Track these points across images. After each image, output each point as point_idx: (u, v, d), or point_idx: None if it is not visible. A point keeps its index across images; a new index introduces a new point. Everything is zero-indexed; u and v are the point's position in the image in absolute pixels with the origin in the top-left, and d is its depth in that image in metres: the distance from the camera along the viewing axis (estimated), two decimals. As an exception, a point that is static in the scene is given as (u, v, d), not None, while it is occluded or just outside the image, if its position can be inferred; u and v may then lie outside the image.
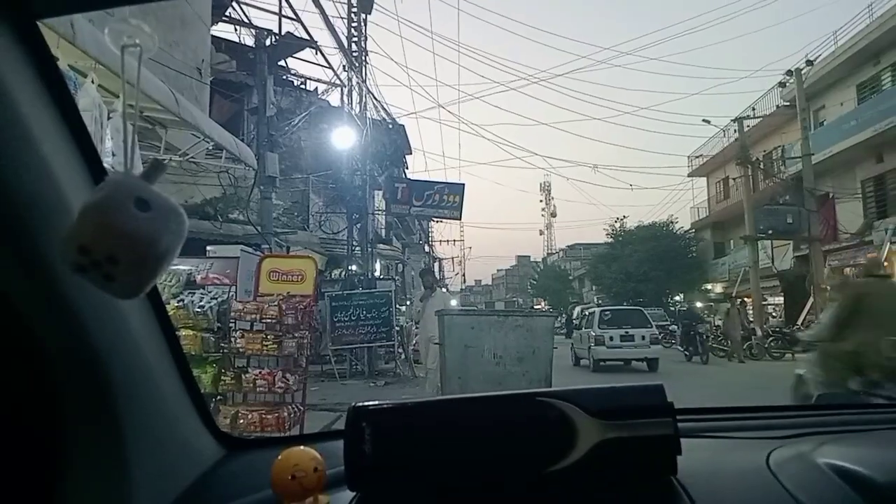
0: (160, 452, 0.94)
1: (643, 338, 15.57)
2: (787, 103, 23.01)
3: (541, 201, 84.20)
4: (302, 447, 0.87)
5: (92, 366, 0.82)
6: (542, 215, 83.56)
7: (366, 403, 0.92)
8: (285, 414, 6.00)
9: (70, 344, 0.80)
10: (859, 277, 5.87)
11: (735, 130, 24.29)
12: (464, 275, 63.65)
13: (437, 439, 0.88)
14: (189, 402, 1.05)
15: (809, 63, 21.68)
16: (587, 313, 18.11)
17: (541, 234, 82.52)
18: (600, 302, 35.01)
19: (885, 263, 18.40)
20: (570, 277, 55.75)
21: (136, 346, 0.90)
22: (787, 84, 22.44)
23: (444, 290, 11.23)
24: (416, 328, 9.75)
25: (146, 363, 0.93)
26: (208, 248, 10.13)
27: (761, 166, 24.53)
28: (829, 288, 19.83)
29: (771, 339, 18.99)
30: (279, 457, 0.85)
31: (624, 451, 0.84)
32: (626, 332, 15.68)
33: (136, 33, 0.76)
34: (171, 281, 7.29)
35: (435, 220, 26.08)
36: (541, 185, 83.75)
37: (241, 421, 5.71)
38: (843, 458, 0.88)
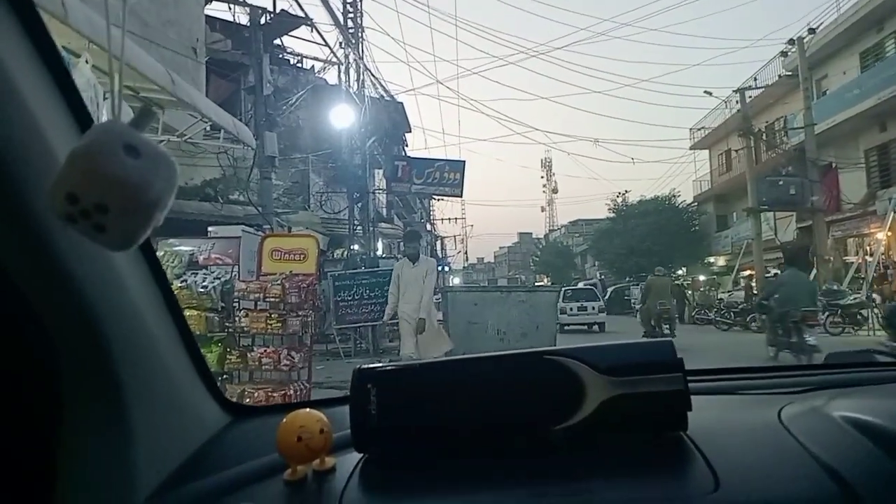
0: (165, 419, 0.93)
1: (594, 308, 22.03)
2: (790, 73, 22.79)
3: (542, 177, 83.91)
4: (308, 409, 0.86)
5: (90, 331, 0.80)
6: (544, 191, 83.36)
7: (371, 365, 0.91)
8: (291, 391, 6.07)
9: (67, 307, 0.78)
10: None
11: (737, 101, 24.08)
12: (466, 252, 63.73)
13: (443, 399, 0.87)
14: (193, 368, 1.04)
15: (812, 31, 21.44)
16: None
17: (542, 211, 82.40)
18: (603, 277, 35.02)
19: (889, 233, 18.38)
20: (573, 253, 55.75)
21: (136, 311, 0.88)
22: (789, 53, 22.22)
23: (430, 258, 9.05)
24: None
25: (147, 329, 0.90)
26: (210, 228, 10.14)
27: (763, 137, 24.38)
28: (831, 259, 19.93)
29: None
30: (284, 419, 0.84)
31: (633, 408, 0.83)
32: (581, 305, 22.15)
33: None
34: (173, 262, 7.31)
35: (436, 197, 26.01)
36: (542, 161, 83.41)
37: (248, 399, 5.72)
38: (856, 410, 0.87)
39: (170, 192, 0.66)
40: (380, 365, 0.92)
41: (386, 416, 0.85)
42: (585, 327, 21.93)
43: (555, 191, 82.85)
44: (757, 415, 0.97)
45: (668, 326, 14.38)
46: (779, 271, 23.39)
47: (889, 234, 18.44)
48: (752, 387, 1.18)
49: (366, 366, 0.90)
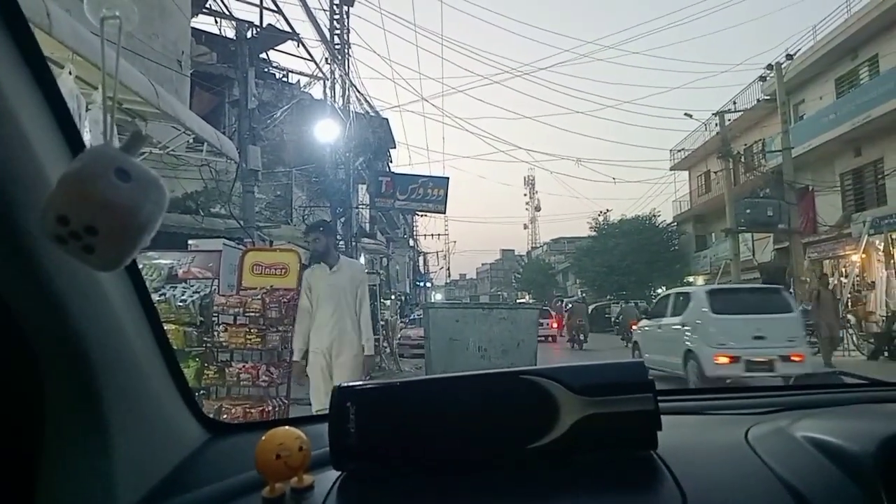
0: (143, 435, 0.93)
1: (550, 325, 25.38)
2: (768, 97, 23.19)
3: (525, 195, 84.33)
4: (287, 427, 0.87)
5: (72, 345, 0.80)
6: (527, 209, 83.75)
7: (351, 384, 0.92)
8: (270, 408, 5.95)
9: (49, 322, 0.79)
10: None
11: (716, 124, 24.44)
12: (448, 269, 63.69)
13: (421, 418, 0.88)
14: (173, 385, 1.04)
15: (789, 57, 21.86)
16: None
17: (525, 228, 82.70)
18: (584, 295, 35.17)
19: (863, 255, 18.69)
20: (554, 271, 55.96)
21: (119, 327, 0.89)
22: (768, 78, 22.62)
23: (357, 261, 6.18)
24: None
25: (128, 345, 0.91)
26: (190, 241, 10.02)
27: (742, 160, 24.72)
28: (808, 280, 20.21)
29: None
30: (263, 437, 0.84)
31: (605, 427, 0.85)
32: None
33: (115, 5, 0.75)
34: (152, 275, 7.20)
35: (419, 213, 26.03)
36: (525, 178, 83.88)
37: (225, 416, 5.64)
38: (819, 431, 0.90)
39: (159, 214, 0.68)
40: (359, 383, 0.93)
41: (364, 434, 0.86)
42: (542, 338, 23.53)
43: (537, 208, 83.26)
44: (725, 435, 0.99)
45: (583, 336, 21.59)
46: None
47: (863, 256, 18.76)
48: (720, 407, 1.20)
49: (345, 384, 0.91)
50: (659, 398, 0.87)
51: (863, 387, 1.48)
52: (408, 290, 36.29)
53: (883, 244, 18.16)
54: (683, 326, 10.28)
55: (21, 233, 0.72)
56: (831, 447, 0.84)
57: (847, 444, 0.84)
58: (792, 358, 9.09)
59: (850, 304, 17.97)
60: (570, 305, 25.87)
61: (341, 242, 15.96)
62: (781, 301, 10.05)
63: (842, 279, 19.73)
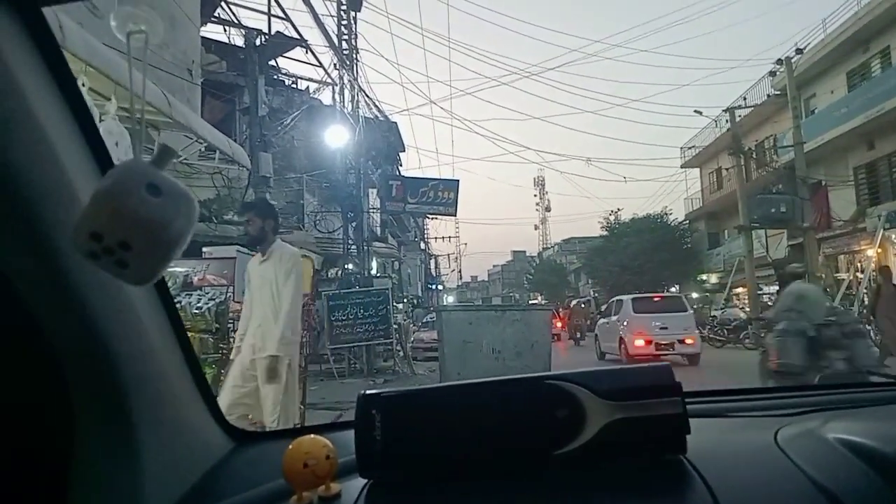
0: (170, 444, 0.94)
1: (555, 325, 23.66)
2: (778, 92, 22.99)
3: (535, 196, 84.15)
4: (313, 436, 0.88)
5: (101, 357, 0.82)
6: (537, 210, 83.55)
7: (376, 391, 0.92)
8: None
9: (80, 334, 0.80)
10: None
11: (727, 121, 24.28)
12: (460, 271, 63.65)
13: (447, 425, 0.88)
14: (198, 394, 1.05)
15: (799, 51, 21.69)
16: None
17: (536, 229, 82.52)
18: (596, 295, 35.04)
19: (879, 250, 18.50)
20: (566, 271, 55.79)
21: (146, 337, 0.90)
22: (778, 73, 22.45)
23: (290, 247, 4.86)
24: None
25: (155, 354, 0.93)
26: (204, 249, 10.09)
27: (754, 156, 24.53)
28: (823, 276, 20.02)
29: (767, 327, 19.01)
30: (290, 445, 0.85)
31: (633, 432, 0.84)
32: None
33: (142, 19, 0.75)
34: (168, 283, 7.29)
35: (430, 216, 26.04)
36: (535, 179, 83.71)
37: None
38: (851, 432, 0.89)
39: (189, 228, 0.69)
40: (384, 391, 0.93)
41: (390, 441, 0.86)
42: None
43: (548, 209, 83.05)
44: (754, 437, 0.99)
45: (579, 334, 22.89)
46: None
47: (879, 251, 18.56)
48: (748, 408, 1.19)
49: (370, 391, 0.91)
50: (685, 401, 0.87)
51: (890, 385, 1.46)
52: (420, 294, 36.30)
53: (899, 238, 17.97)
54: (618, 322, 14.96)
55: (52, 249, 0.73)
56: (864, 449, 0.84)
57: (880, 446, 0.83)
58: (685, 341, 13.87)
59: (865, 299, 17.80)
60: (572, 306, 28.72)
61: (353, 247, 15.99)
62: (680, 304, 15.18)
63: (857, 274, 19.52)
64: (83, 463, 0.85)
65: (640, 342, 13.90)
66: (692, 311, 15.23)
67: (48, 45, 0.75)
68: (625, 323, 14.61)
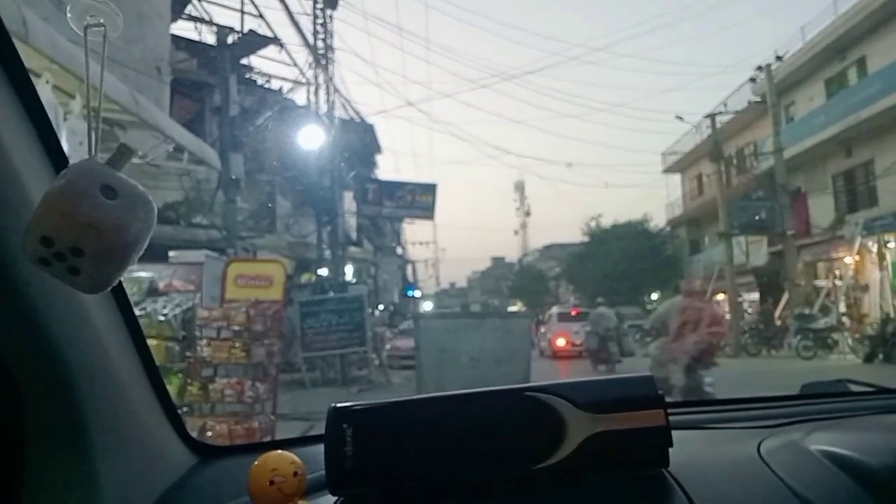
0: (129, 460, 0.91)
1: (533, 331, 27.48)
2: (759, 99, 23.19)
3: (515, 201, 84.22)
4: (280, 451, 0.84)
5: (54, 368, 0.79)
6: (517, 215, 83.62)
7: (347, 404, 0.87)
8: (255, 424, 5.92)
9: (30, 344, 0.77)
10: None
11: (708, 127, 24.38)
12: (438, 277, 63.47)
13: (422, 439, 0.85)
14: (159, 407, 1.03)
15: (779, 59, 21.87)
16: None
17: (516, 234, 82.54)
18: (577, 302, 34.99)
19: (857, 257, 18.58)
20: (547, 278, 55.84)
21: (102, 347, 0.88)
22: (758, 80, 22.61)
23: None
24: None
25: (113, 366, 0.90)
26: (171, 253, 9.80)
27: (734, 162, 24.67)
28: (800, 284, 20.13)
29: (746, 334, 19.04)
30: (256, 462, 0.81)
31: (614, 445, 0.82)
32: None
33: (100, 11, 0.69)
34: (132, 289, 7.04)
35: (407, 221, 25.79)
36: (515, 184, 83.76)
37: (210, 433, 5.61)
38: (833, 443, 0.89)
39: (147, 232, 0.66)
40: (356, 403, 0.88)
41: (362, 456, 0.83)
42: None
43: (528, 214, 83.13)
44: (736, 449, 0.97)
45: None
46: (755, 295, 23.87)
47: (857, 258, 18.64)
48: (730, 419, 1.20)
49: (341, 404, 0.87)
50: (668, 412, 0.84)
51: (870, 395, 1.47)
52: (396, 300, 36.02)
53: (876, 246, 18.06)
54: (549, 328, 21.16)
55: (2, 254, 0.70)
56: (847, 460, 0.83)
57: (863, 457, 0.83)
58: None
59: (845, 306, 17.88)
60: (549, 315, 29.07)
61: (328, 252, 15.68)
62: (586, 316, 18.26)
63: (836, 282, 19.63)
64: (35, 481, 0.82)
65: (561, 342, 19.46)
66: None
67: (1, 39, 0.74)
68: (552, 329, 20.54)
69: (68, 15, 0.71)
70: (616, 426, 0.82)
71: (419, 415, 0.89)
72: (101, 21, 0.70)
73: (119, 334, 0.93)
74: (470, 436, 0.84)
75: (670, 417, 0.84)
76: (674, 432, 0.84)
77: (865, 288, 18.38)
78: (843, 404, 1.32)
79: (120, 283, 0.90)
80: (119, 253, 0.65)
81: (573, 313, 20.94)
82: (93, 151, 0.68)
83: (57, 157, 0.81)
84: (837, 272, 20.16)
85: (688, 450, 0.91)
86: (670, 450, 0.84)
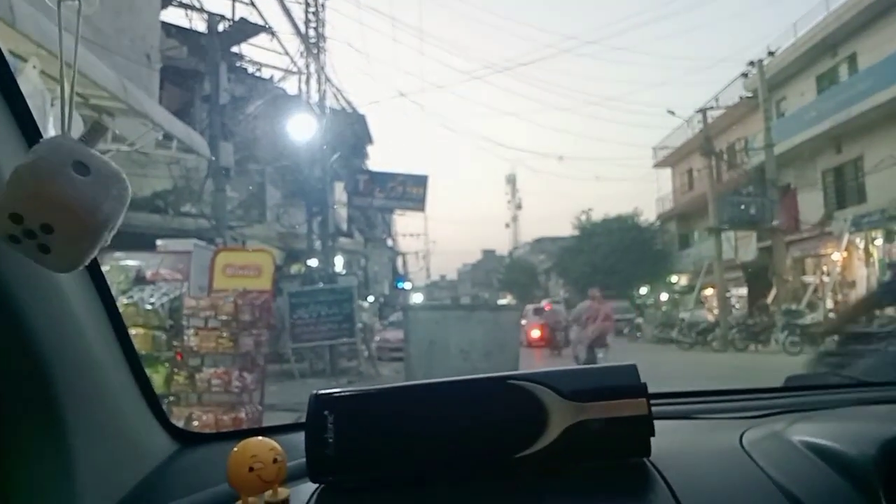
0: (107, 447, 0.90)
1: None
2: (750, 94, 23.25)
3: (506, 193, 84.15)
4: (260, 438, 0.83)
5: (27, 350, 0.77)
6: (508, 208, 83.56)
7: (328, 391, 0.87)
8: (242, 414, 5.93)
9: (5, 327, 0.75)
10: None
11: (699, 121, 24.42)
12: (428, 270, 63.44)
13: (403, 426, 0.85)
14: (138, 392, 1.02)
15: (771, 54, 21.91)
16: None
17: (507, 227, 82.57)
18: (568, 296, 35.06)
19: (845, 253, 18.71)
20: (537, 271, 55.91)
21: (79, 332, 0.87)
22: (750, 75, 22.64)
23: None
24: None
25: (90, 350, 0.89)
26: (158, 242, 9.72)
27: (725, 157, 24.74)
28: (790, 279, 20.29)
29: (734, 329, 19.15)
30: (235, 448, 0.81)
31: (597, 433, 0.83)
32: None
33: None
34: (119, 277, 7.00)
35: (398, 212, 25.73)
36: (506, 177, 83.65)
37: (196, 422, 5.63)
38: (815, 434, 0.90)
39: (120, 210, 0.65)
40: (337, 390, 0.88)
41: (343, 444, 0.83)
42: None
43: (519, 207, 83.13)
44: (719, 440, 0.98)
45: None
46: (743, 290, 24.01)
47: (845, 254, 18.77)
48: (713, 410, 1.20)
49: (323, 391, 0.87)
50: (651, 402, 0.84)
51: (851, 387, 1.47)
52: (386, 292, 35.97)
53: (864, 242, 18.18)
54: (525, 321, 21.52)
55: None
56: (828, 451, 0.84)
57: (844, 448, 0.83)
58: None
59: (832, 302, 18.00)
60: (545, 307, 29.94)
61: (318, 243, 15.60)
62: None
63: (823, 278, 19.75)
64: (11, 468, 0.81)
65: (535, 333, 21.72)
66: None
67: None
68: (529, 322, 22.23)
69: None
70: (599, 415, 0.82)
71: (401, 402, 0.89)
72: None
73: (98, 319, 0.93)
74: (452, 424, 0.84)
75: (653, 407, 0.84)
76: (656, 422, 0.84)
77: (853, 284, 18.51)
78: (826, 396, 1.34)
79: (98, 266, 0.91)
80: (91, 231, 0.64)
81: (546, 308, 24.75)
82: (65, 128, 0.67)
83: (30, 134, 0.79)
84: (825, 268, 20.30)
85: (670, 439, 0.91)
86: (652, 439, 0.84)
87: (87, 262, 0.69)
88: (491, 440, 0.84)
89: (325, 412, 0.84)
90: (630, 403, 0.84)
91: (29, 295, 0.77)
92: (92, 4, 0.70)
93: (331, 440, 0.83)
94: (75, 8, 0.70)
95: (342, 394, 0.88)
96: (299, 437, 0.86)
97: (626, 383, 0.86)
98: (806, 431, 0.92)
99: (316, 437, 0.83)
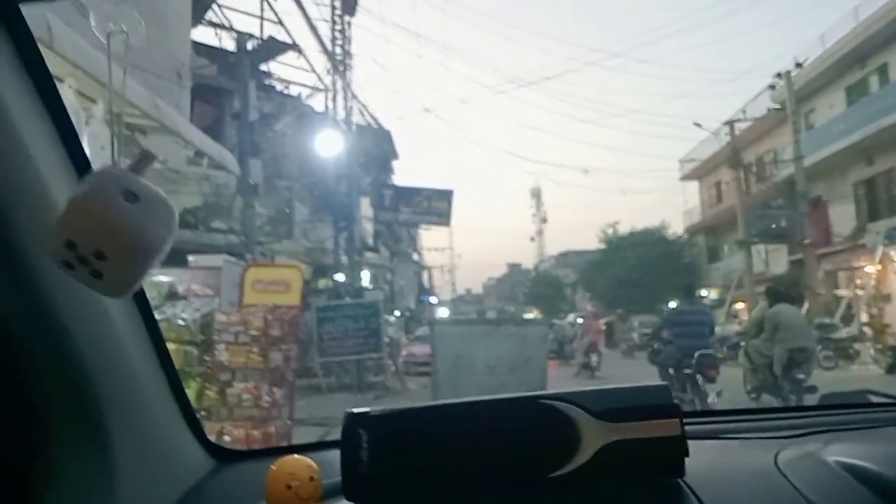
0: (148, 464, 0.92)
1: None
2: (778, 106, 22.93)
3: (531, 207, 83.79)
4: (296, 456, 0.86)
5: (76, 371, 0.80)
6: (533, 221, 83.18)
7: (363, 410, 0.88)
8: (272, 429, 5.96)
9: (53, 347, 0.78)
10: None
11: (726, 134, 24.15)
12: (454, 283, 63.36)
13: (436, 445, 0.86)
14: (178, 411, 1.04)
15: (798, 66, 21.64)
16: None
17: (532, 241, 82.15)
18: (594, 310, 34.77)
19: (879, 266, 18.29)
20: (563, 284, 55.52)
21: (124, 352, 0.89)
22: (777, 87, 22.38)
23: None
24: None
25: (133, 370, 0.91)
26: (190, 257, 9.87)
27: (753, 170, 24.41)
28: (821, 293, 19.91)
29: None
30: (273, 466, 0.84)
31: (630, 454, 0.82)
32: None
33: (123, 18, 0.72)
34: (152, 293, 7.09)
35: (424, 226, 25.82)
36: (531, 190, 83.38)
37: (227, 437, 5.65)
38: (851, 455, 0.89)
39: (168, 237, 0.67)
40: (371, 409, 0.89)
41: (378, 462, 0.83)
42: None
43: (544, 220, 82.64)
44: (753, 459, 0.97)
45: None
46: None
47: (879, 267, 18.35)
48: (747, 429, 1.19)
49: (357, 410, 0.87)
50: (684, 422, 0.84)
51: (888, 406, 1.44)
52: (412, 306, 36.00)
53: (898, 255, 17.76)
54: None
55: (24, 255, 0.72)
56: (865, 472, 0.83)
57: (881, 469, 0.82)
58: None
59: (867, 316, 17.60)
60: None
61: (344, 257, 15.69)
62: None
63: (857, 291, 19.33)
64: (57, 483, 0.82)
65: None
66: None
67: (26, 44, 0.75)
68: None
69: (91, 22, 0.73)
70: (631, 435, 0.82)
71: (434, 421, 0.90)
72: (124, 28, 0.71)
73: (141, 339, 0.95)
74: (485, 443, 0.85)
75: (686, 427, 0.84)
76: (689, 442, 0.84)
77: (888, 298, 18.07)
78: (862, 415, 1.31)
79: (141, 288, 0.91)
80: (141, 257, 0.66)
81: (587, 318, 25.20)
82: (115, 157, 0.69)
83: (80, 162, 0.82)
84: (859, 281, 19.85)
85: (704, 459, 0.90)
86: (686, 459, 0.83)
87: (137, 288, 0.70)
88: (524, 460, 0.84)
89: (360, 431, 0.84)
90: (663, 424, 0.83)
91: (77, 318, 0.79)
92: (139, 36, 0.72)
93: (365, 459, 0.83)
94: (124, 39, 0.72)
95: (376, 413, 0.89)
96: (333, 455, 0.87)
97: (659, 403, 0.86)
98: (842, 452, 0.91)
99: (351, 455, 0.84)
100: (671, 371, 8.05)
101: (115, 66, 0.74)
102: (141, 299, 0.96)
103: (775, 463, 0.93)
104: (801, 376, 7.71)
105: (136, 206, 0.64)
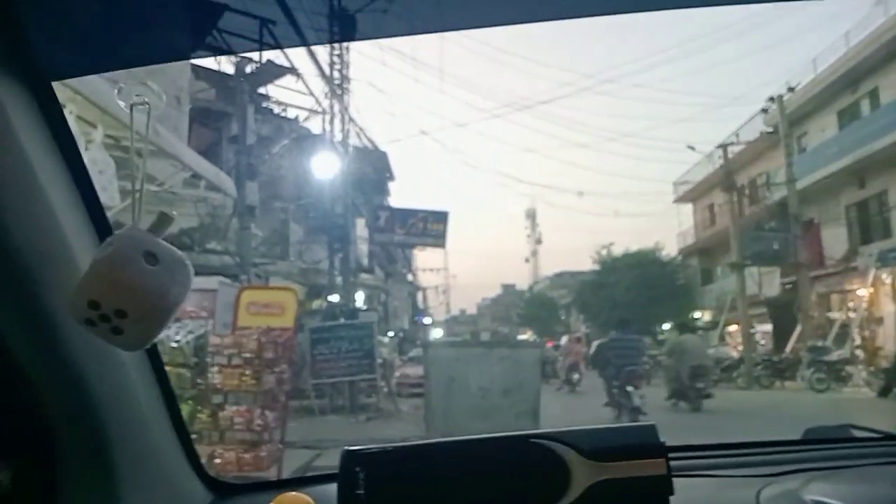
0: (152, 497, 0.95)
1: None
2: (771, 129, 23.12)
3: (526, 228, 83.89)
4: (295, 492, 0.89)
5: (89, 417, 0.84)
6: (528, 242, 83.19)
7: (359, 448, 0.91)
8: (264, 453, 5.93)
9: (70, 395, 0.82)
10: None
11: (719, 157, 24.33)
12: (448, 304, 63.11)
13: (431, 483, 0.88)
14: (179, 447, 1.07)
15: (791, 90, 21.87)
16: None
17: (527, 262, 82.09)
18: (588, 331, 34.70)
19: (871, 289, 18.37)
20: (558, 306, 55.38)
21: (133, 394, 0.93)
22: (770, 110, 22.60)
23: None
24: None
25: (141, 411, 0.95)
26: (184, 279, 9.85)
27: (746, 192, 24.56)
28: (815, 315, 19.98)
29: (760, 366, 18.81)
30: (272, 502, 0.86)
31: (618, 492, 0.85)
32: None
33: (146, 92, 0.77)
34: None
35: (419, 247, 25.85)
36: (526, 211, 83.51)
37: (218, 461, 5.61)
38: (830, 495, 0.90)
39: (185, 294, 0.72)
40: (368, 447, 0.92)
41: (374, 499, 0.86)
42: None
43: (539, 241, 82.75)
44: (736, 497, 1.00)
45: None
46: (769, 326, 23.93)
47: (871, 290, 18.44)
48: (733, 464, 1.22)
49: (353, 448, 0.90)
50: (669, 455, 0.87)
51: (872, 441, 1.45)
52: (406, 327, 35.87)
53: (890, 278, 17.86)
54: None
55: (47, 312, 0.75)
56: None
57: None
58: None
59: (859, 339, 17.65)
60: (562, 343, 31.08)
61: (339, 278, 15.70)
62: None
63: (850, 314, 19.39)
64: None
65: None
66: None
67: (55, 116, 0.80)
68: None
69: (117, 94, 0.79)
70: (620, 475, 0.85)
71: (429, 459, 0.93)
72: (146, 100, 0.77)
73: (149, 381, 0.98)
74: (478, 481, 0.87)
75: (672, 462, 0.87)
76: (675, 479, 0.86)
77: (880, 320, 18.14)
78: (846, 451, 1.31)
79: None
80: (160, 315, 0.70)
81: (549, 345, 26.83)
82: (135, 220, 0.74)
83: (101, 224, 0.87)
84: (851, 304, 19.92)
85: (689, 496, 0.93)
86: (671, 498, 0.86)
87: (154, 341, 0.75)
88: (516, 498, 0.86)
89: (357, 469, 0.87)
90: (650, 463, 0.86)
91: (94, 368, 0.83)
92: (159, 108, 0.78)
93: (362, 495, 0.86)
94: (146, 110, 0.77)
95: (372, 450, 0.91)
96: (330, 490, 0.89)
97: (646, 442, 0.89)
98: (822, 491, 0.92)
99: (348, 492, 0.86)
100: (614, 382, 10.47)
101: (137, 134, 0.79)
102: (152, 349, 1.00)
103: (757, 501, 0.95)
104: (701, 385, 11.67)
105: (157, 267, 0.68)
